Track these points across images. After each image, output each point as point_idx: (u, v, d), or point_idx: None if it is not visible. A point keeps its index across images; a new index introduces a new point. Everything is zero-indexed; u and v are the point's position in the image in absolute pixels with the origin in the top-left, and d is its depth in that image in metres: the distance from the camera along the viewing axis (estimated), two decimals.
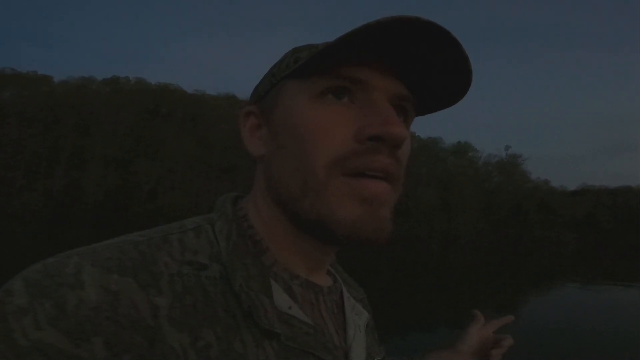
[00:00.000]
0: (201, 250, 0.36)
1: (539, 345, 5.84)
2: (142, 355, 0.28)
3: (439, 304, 9.32)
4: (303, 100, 0.37)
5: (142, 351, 0.29)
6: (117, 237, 0.36)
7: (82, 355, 0.27)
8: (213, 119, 47.84)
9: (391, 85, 0.37)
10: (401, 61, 0.37)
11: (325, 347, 0.37)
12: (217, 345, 0.31)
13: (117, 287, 0.30)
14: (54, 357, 0.27)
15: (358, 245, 0.37)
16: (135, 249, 0.34)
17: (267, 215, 0.40)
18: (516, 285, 12.83)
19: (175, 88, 53.73)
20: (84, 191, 39.33)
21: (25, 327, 0.27)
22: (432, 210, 48.22)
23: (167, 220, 0.54)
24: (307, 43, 0.40)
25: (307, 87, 0.37)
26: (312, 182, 0.36)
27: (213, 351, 0.31)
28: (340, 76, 0.36)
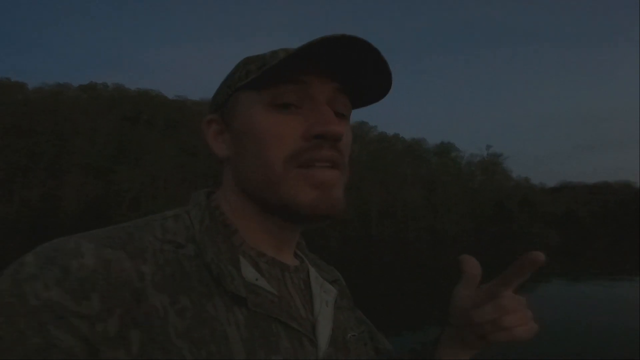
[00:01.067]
0: (179, 233, 0.43)
1: (526, 342, 5.83)
2: (129, 310, 0.35)
3: (428, 303, 9.31)
4: (258, 109, 0.45)
5: (130, 307, 0.35)
6: (108, 227, 0.42)
7: (82, 310, 0.33)
8: (196, 125, 46.98)
9: (329, 84, 0.46)
10: (336, 67, 0.46)
11: (290, 315, 0.43)
12: (192, 307, 0.37)
13: (110, 257, 0.37)
14: (59, 313, 0.32)
15: (319, 221, 0.45)
16: (124, 231, 0.41)
17: (236, 204, 0.47)
18: None
19: (155, 94, 52.85)
20: (63, 201, 38.08)
21: (36, 289, 0.33)
22: (418, 211, 48.67)
23: None
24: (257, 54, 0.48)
25: (259, 97, 0.45)
26: (272, 176, 0.44)
27: (189, 312, 0.37)
28: (286, 81, 0.44)
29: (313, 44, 0.40)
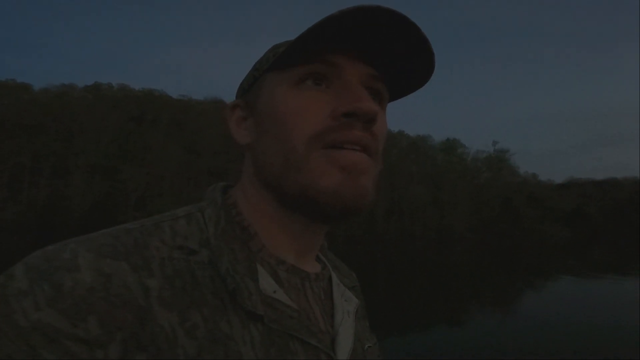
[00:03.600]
0: (191, 236, 0.38)
1: (535, 338, 5.67)
2: (133, 333, 0.30)
3: (436, 302, 9.14)
4: (283, 89, 0.40)
5: (133, 329, 0.30)
6: (112, 227, 0.37)
7: (79, 333, 0.29)
8: (200, 124, 47.18)
9: (362, 68, 0.40)
10: (370, 47, 0.40)
11: (309, 330, 0.38)
12: (204, 325, 0.33)
13: (110, 270, 0.32)
14: (52, 336, 0.28)
15: (341, 215, 0.39)
16: (128, 235, 0.36)
17: (256, 200, 0.42)
18: (510, 279, 12.77)
19: (160, 93, 52.91)
20: (69, 201, 38.33)
21: (25, 308, 0.29)
22: (425, 208, 48.31)
23: None
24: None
25: (286, 76, 0.40)
26: (293, 158, 0.38)
27: (200, 331, 0.33)
28: (316, 61, 0.39)
29: (344, 12, 0.35)
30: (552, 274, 13.81)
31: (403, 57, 0.41)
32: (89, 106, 45.36)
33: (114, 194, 40.29)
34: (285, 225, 0.42)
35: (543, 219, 54.85)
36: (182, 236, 0.38)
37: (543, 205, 57.04)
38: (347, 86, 0.39)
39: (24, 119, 40.82)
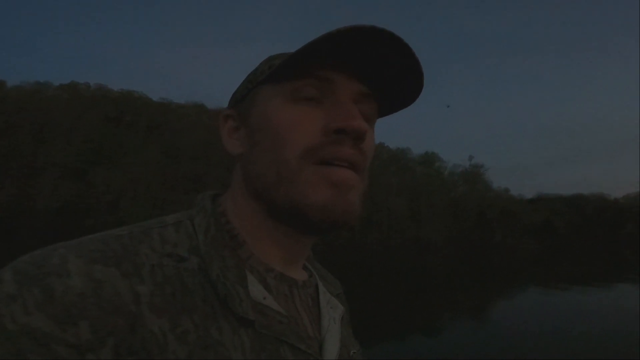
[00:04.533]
0: (180, 244, 0.38)
1: (506, 346, 5.90)
2: (124, 339, 0.30)
3: (413, 311, 9.31)
4: (277, 102, 0.42)
5: (124, 334, 0.31)
6: (101, 232, 0.38)
7: (68, 338, 0.29)
8: (180, 128, 46.38)
9: (354, 85, 0.42)
10: (363, 65, 0.42)
11: (298, 336, 0.40)
12: (194, 331, 0.33)
13: (101, 276, 0.32)
14: (41, 340, 0.28)
15: (329, 228, 0.40)
16: (118, 242, 0.36)
17: (245, 210, 0.43)
18: (484, 289, 13.14)
19: (139, 95, 51.74)
20: (36, 201, 36.56)
21: (13, 312, 0.29)
22: (403, 219, 49.06)
23: None
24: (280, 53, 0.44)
25: (281, 89, 0.42)
26: (285, 171, 0.40)
27: (191, 337, 0.33)
28: (310, 76, 0.40)
29: (341, 30, 0.36)
30: (521, 284, 14.34)
31: (394, 76, 0.43)
32: (64, 105, 43.83)
33: (84, 197, 38.75)
34: (274, 234, 0.43)
35: (514, 232, 56.82)
36: (172, 243, 0.38)
37: (514, 219, 59.22)
38: (339, 103, 0.41)
39: None
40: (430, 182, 57.73)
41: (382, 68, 0.42)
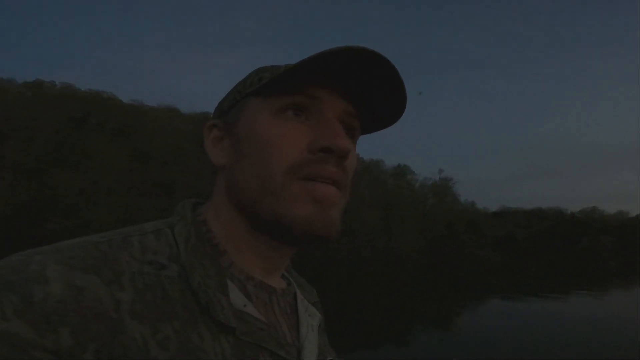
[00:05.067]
0: (160, 252, 0.39)
1: (473, 356, 6.17)
2: (105, 345, 0.30)
3: (384, 321, 9.46)
4: (264, 116, 0.42)
5: (105, 341, 0.31)
6: (78, 238, 0.37)
7: (47, 344, 0.29)
8: (151, 131, 44.96)
9: (341, 104, 0.43)
10: (351, 84, 0.43)
11: (278, 342, 0.40)
12: (175, 337, 0.34)
13: (80, 283, 0.32)
14: (19, 346, 0.28)
15: (311, 242, 0.42)
16: (97, 249, 0.35)
17: (227, 220, 0.44)
18: (451, 300, 13.57)
19: (108, 96, 49.83)
20: None
21: None
22: (375, 230, 49.80)
23: None
24: (271, 64, 0.45)
25: (269, 104, 0.42)
26: (270, 185, 0.41)
27: (172, 343, 0.33)
28: (299, 93, 0.42)
29: (334, 51, 0.38)
30: (486, 295, 14.96)
31: (378, 97, 0.44)
32: (26, 104, 41.41)
33: (41, 199, 36.51)
34: (255, 245, 0.44)
35: (480, 244, 59.15)
36: (152, 251, 0.38)
37: (480, 231, 61.78)
38: (325, 121, 0.42)
39: None
40: (401, 194, 59.12)
41: (368, 88, 0.43)
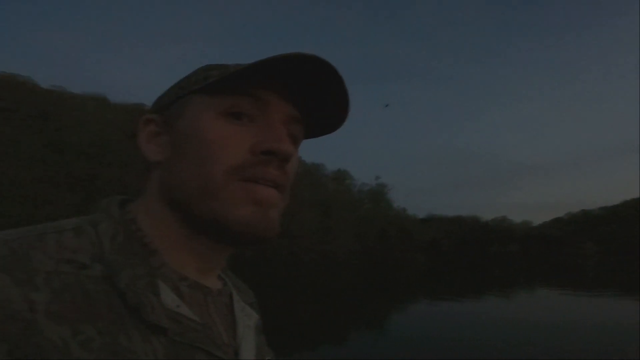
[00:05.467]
0: (81, 250, 0.36)
1: (403, 354, 6.82)
2: (19, 345, 0.29)
3: (320, 322, 9.83)
4: (209, 115, 0.42)
5: (18, 341, 0.29)
6: None
7: None
8: (73, 120, 40.45)
9: (286, 107, 0.43)
10: (297, 89, 0.44)
11: (214, 343, 0.40)
12: (99, 339, 0.32)
13: None
14: None
15: (250, 243, 0.42)
16: (5, 246, 0.33)
17: (159, 218, 0.43)
18: (383, 302, 14.53)
19: (24, 80, 43.72)
20: None
21: None
22: (313, 233, 50.59)
23: None
24: (219, 63, 0.45)
25: (214, 103, 0.42)
26: (210, 185, 0.40)
27: (96, 344, 0.32)
28: (246, 95, 0.41)
29: (285, 56, 0.38)
30: (414, 297, 16.26)
31: (323, 103, 0.45)
32: None
33: None
34: (189, 244, 0.43)
35: (410, 248, 63.44)
36: (71, 250, 0.36)
37: (410, 236, 66.31)
38: (269, 124, 0.42)
39: None
40: (340, 198, 60.91)
41: (314, 95, 0.44)
